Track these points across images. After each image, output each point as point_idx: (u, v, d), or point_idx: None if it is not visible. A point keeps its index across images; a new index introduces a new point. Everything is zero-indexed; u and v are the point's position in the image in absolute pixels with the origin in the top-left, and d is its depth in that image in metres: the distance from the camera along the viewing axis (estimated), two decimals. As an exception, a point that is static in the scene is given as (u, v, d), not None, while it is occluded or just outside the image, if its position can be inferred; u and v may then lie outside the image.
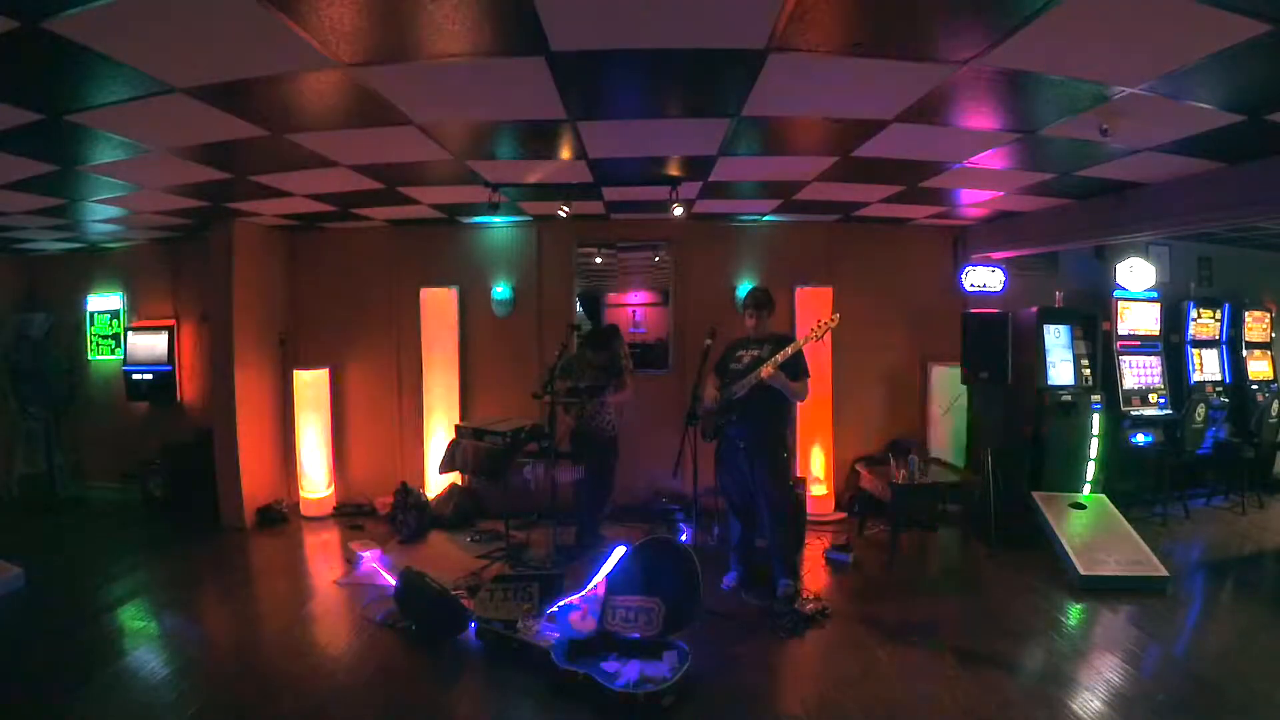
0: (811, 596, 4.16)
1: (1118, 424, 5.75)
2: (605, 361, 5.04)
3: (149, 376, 6.68)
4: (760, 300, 4.25)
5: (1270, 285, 6.96)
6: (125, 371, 6.76)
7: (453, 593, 3.93)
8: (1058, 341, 5.47)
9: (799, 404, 4.48)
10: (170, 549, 5.29)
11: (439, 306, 6.19)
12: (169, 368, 6.63)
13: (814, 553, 5.01)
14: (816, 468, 5.99)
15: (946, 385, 6.06)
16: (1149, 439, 5.87)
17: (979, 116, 3.19)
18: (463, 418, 5.99)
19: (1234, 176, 3.83)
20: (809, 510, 5.36)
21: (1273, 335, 6.68)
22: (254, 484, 5.88)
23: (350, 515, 6.15)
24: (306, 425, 6.15)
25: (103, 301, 7.03)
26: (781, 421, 4.19)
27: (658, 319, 6.41)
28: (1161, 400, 6.04)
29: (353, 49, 2.40)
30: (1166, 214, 4.35)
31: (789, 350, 3.88)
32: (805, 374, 4.11)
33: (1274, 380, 6.60)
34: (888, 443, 6.16)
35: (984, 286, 6.16)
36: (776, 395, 4.01)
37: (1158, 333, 6.17)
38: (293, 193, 4.67)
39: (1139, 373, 6.07)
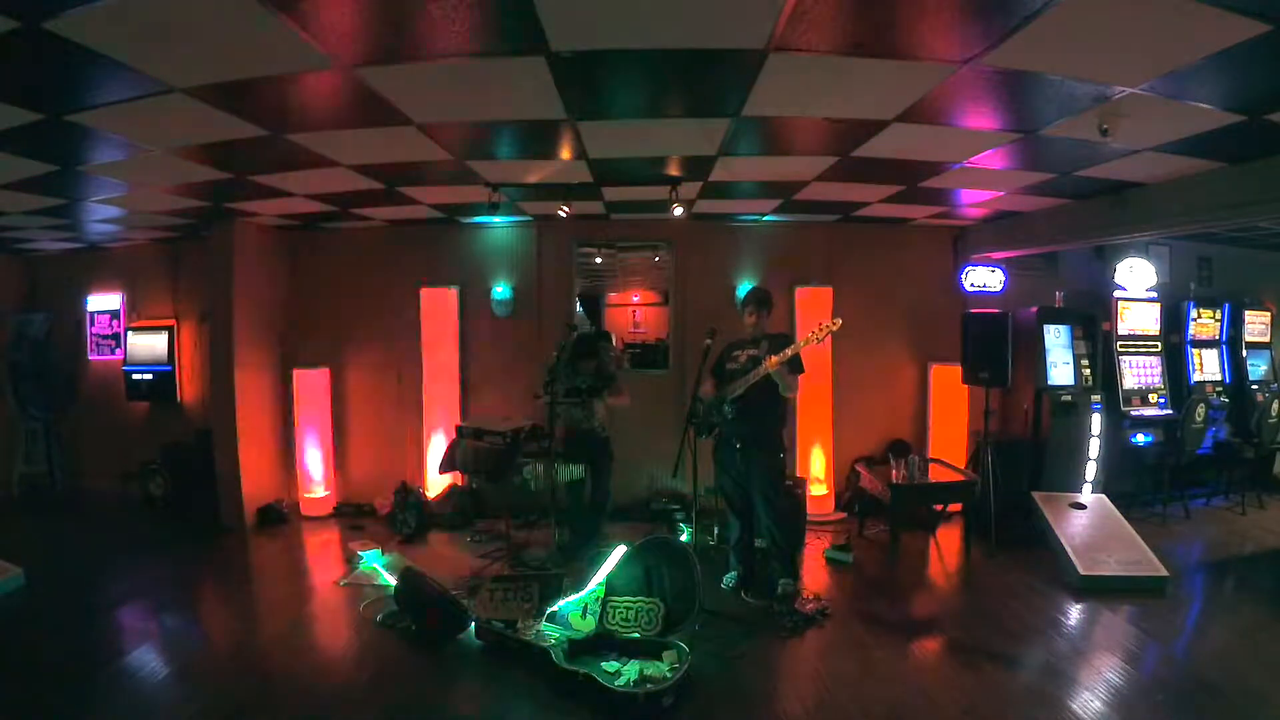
0: (811, 596, 4.16)
1: (1118, 424, 5.74)
2: (594, 369, 5.06)
3: (149, 376, 6.69)
4: (761, 299, 4.27)
5: (1270, 285, 6.96)
6: (125, 371, 6.76)
7: (453, 593, 3.93)
8: (1058, 341, 5.47)
9: (798, 404, 4.47)
10: (170, 549, 5.28)
11: (439, 306, 6.19)
12: (169, 368, 6.64)
13: (814, 553, 5.01)
14: (816, 468, 5.99)
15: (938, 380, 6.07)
16: (1149, 439, 5.86)
17: (979, 116, 3.19)
18: (463, 418, 5.99)
19: (1234, 176, 3.83)
20: (809, 510, 5.35)
21: (1273, 335, 6.68)
22: (254, 484, 5.87)
23: (350, 515, 6.15)
24: (306, 425, 6.15)
25: (103, 301, 7.03)
26: (777, 420, 4.20)
27: (658, 319, 6.42)
28: (1161, 400, 6.04)
29: (353, 49, 2.40)
30: (1167, 214, 4.35)
31: (789, 352, 3.89)
32: (800, 370, 4.16)
33: (1274, 380, 6.60)
34: (888, 443, 6.17)
35: (984, 286, 6.16)
36: (772, 394, 4.01)
37: (1158, 333, 6.17)
38: (293, 193, 4.67)
39: (1139, 373, 6.07)
